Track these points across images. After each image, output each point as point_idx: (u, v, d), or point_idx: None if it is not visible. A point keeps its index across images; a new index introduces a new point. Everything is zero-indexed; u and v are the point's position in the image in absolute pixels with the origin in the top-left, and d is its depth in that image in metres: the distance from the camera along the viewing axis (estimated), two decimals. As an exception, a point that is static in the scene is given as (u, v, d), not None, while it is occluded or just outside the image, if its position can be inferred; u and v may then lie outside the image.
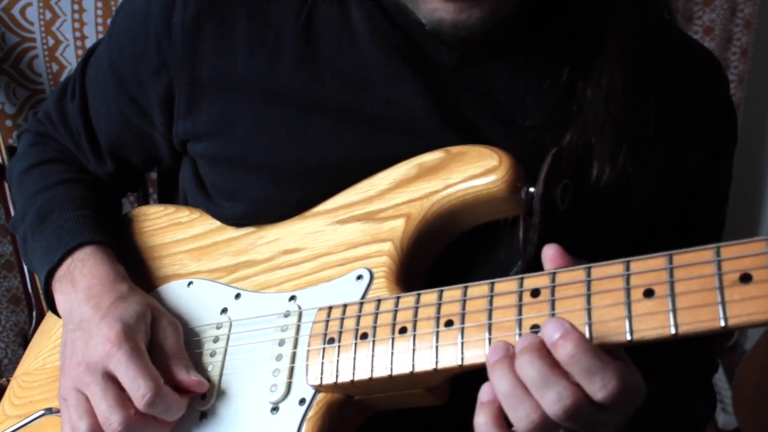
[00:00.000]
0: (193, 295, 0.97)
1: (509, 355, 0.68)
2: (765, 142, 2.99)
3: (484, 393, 0.70)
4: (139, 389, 0.82)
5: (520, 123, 0.88)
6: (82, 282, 0.94)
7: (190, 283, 0.99)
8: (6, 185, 1.83)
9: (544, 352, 0.66)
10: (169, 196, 1.32)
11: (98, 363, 0.85)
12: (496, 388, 0.68)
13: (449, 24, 0.80)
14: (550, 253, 0.73)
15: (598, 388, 0.64)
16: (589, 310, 0.69)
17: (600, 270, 0.70)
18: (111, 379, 0.85)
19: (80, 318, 0.91)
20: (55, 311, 1.01)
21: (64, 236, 0.99)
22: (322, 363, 0.82)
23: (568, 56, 0.88)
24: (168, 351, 0.89)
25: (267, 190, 0.94)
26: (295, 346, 0.85)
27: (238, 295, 0.94)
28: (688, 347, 0.93)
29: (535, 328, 0.71)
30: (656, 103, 0.88)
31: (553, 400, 0.65)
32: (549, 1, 0.88)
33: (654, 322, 0.66)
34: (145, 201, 1.67)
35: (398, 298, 0.80)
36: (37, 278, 1.04)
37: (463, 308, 0.76)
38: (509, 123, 0.89)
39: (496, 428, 0.69)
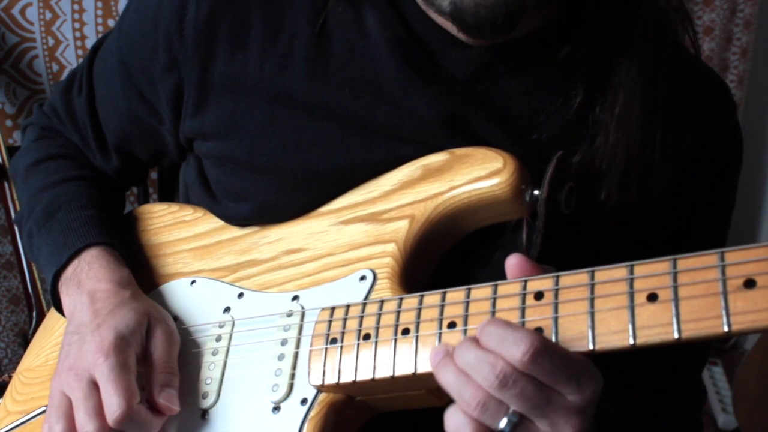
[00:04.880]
0: (196, 294, 0.97)
1: (450, 352, 0.72)
2: (765, 142, 3.00)
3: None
4: (111, 405, 0.83)
5: (530, 140, 0.88)
6: (87, 285, 0.94)
7: (193, 282, 0.99)
8: (6, 185, 1.82)
9: (477, 340, 0.71)
10: (168, 196, 1.32)
11: (86, 370, 0.86)
12: (444, 382, 0.72)
13: (470, 2, 0.79)
14: (513, 261, 0.75)
15: (516, 348, 0.67)
16: (592, 314, 0.69)
17: (604, 273, 0.70)
18: (95, 388, 0.85)
19: (79, 322, 0.91)
20: (58, 308, 1.01)
21: (71, 235, 0.99)
22: (325, 363, 0.82)
23: (582, 78, 0.87)
24: (155, 362, 0.89)
25: (271, 193, 0.94)
26: (298, 345, 0.85)
27: (240, 294, 0.94)
28: (678, 372, 0.95)
29: (538, 331, 0.71)
30: (664, 126, 0.87)
31: (486, 373, 0.68)
32: (565, 20, 0.88)
33: (657, 327, 0.66)
34: (145, 200, 1.68)
35: (401, 299, 0.80)
36: (43, 275, 1.03)
37: (466, 310, 0.76)
38: (520, 139, 0.88)
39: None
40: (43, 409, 0.99)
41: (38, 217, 1.04)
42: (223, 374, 0.89)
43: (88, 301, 0.92)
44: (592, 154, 0.86)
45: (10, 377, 1.13)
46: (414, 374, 0.76)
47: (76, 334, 0.90)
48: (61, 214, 1.02)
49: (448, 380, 0.71)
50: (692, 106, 0.93)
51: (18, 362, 1.15)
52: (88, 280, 0.95)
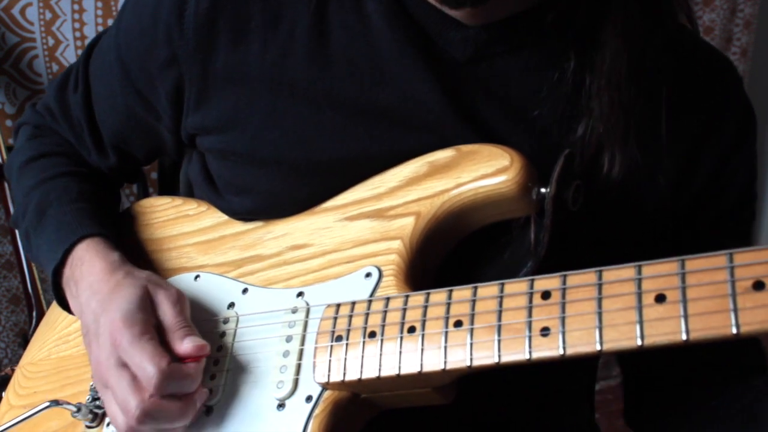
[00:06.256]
0: (200, 289, 0.97)
1: None
2: (765, 142, 3.00)
3: None
4: (145, 372, 0.82)
5: (531, 119, 0.88)
6: (83, 281, 0.94)
7: (196, 277, 0.98)
8: (6, 185, 1.82)
9: None
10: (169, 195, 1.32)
11: (110, 356, 0.86)
12: None
13: None
14: None
15: None
16: (600, 314, 0.69)
17: (611, 273, 0.70)
18: (124, 367, 0.85)
19: (87, 321, 0.92)
20: (61, 303, 1.01)
21: (63, 231, 0.99)
22: (330, 360, 0.82)
23: (574, 49, 0.87)
24: (167, 325, 0.88)
25: (274, 185, 0.94)
26: (303, 342, 0.85)
27: (245, 290, 0.94)
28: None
29: (545, 330, 0.71)
30: (668, 102, 0.87)
31: None
32: None
33: (665, 328, 0.66)
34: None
35: (407, 296, 0.80)
36: (46, 274, 1.04)
37: (473, 309, 0.76)
38: (521, 119, 0.88)
39: None
40: (47, 404, 0.99)
41: (32, 217, 1.04)
42: (227, 370, 0.89)
43: (88, 294, 0.92)
44: (591, 122, 0.86)
45: (13, 370, 1.12)
46: (420, 372, 0.76)
47: (90, 334, 0.90)
48: (52, 210, 1.02)
49: None
50: (696, 84, 0.93)
51: (18, 363, 1.14)
52: (82, 276, 0.95)
